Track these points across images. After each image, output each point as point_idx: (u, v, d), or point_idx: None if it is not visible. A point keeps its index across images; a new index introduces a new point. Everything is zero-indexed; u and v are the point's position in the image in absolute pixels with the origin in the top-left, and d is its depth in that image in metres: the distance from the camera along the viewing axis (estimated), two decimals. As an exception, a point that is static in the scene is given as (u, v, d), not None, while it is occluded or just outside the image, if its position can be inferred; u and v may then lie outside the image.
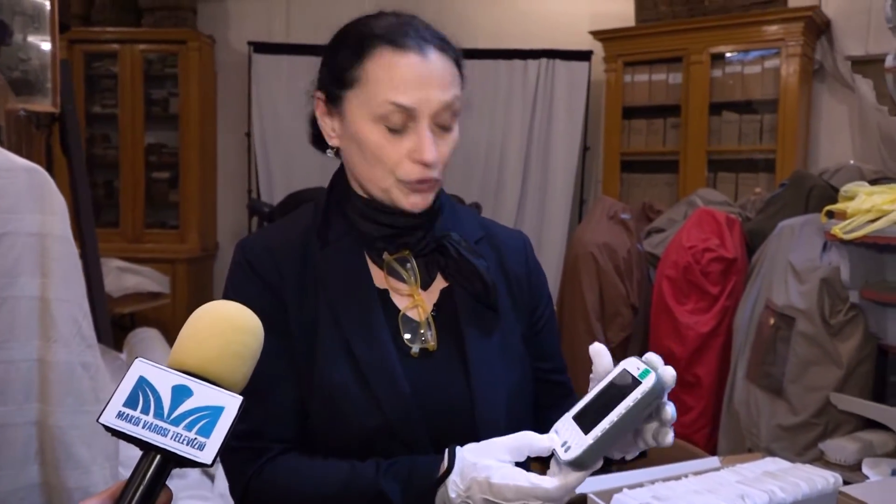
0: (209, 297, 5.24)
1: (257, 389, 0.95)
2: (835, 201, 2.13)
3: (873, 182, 2.20)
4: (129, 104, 4.62)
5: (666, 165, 4.03)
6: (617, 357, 0.91)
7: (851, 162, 2.80)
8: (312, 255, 1.03)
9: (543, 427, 1.07)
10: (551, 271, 3.28)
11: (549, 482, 0.86)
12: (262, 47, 4.61)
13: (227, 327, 0.69)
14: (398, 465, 0.95)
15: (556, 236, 4.23)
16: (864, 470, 1.85)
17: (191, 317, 0.71)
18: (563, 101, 4.36)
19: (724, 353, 2.46)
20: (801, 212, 2.41)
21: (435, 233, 1.06)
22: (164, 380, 0.66)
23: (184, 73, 4.60)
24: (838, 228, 1.92)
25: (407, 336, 1.03)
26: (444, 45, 1.01)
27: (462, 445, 0.98)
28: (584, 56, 4.33)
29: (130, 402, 0.65)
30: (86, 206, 2.90)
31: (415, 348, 1.03)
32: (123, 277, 4.12)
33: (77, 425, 1.67)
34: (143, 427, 0.64)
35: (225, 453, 0.96)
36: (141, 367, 0.66)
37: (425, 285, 1.06)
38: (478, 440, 0.98)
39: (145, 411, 0.64)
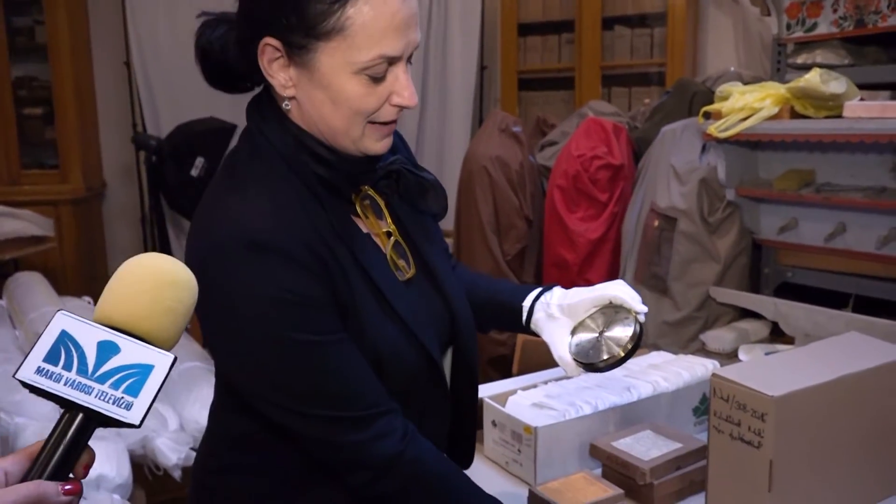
0: (100, 239, 4.97)
1: (349, 365, 0.94)
2: (716, 107, 2.19)
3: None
4: (-11, 34, 4.23)
5: (562, 82, 4.04)
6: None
7: (732, 69, 2.88)
8: (317, 220, 0.95)
9: None
10: (452, 190, 3.27)
11: None
12: (134, -33, 4.28)
13: (159, 282, 0.65)
14: None
15: (456, 156, 4.21)
16: (740, 356, 1.97)
17: (119, 269, 0.65)
18: (458, 20, 4.28)
19: (614, 258, 2.55)
20: (684, 118, 2.47)
21: (382, 160, 1.03)
22: (89, 335, 0.62)
23: (49, -3, 4.23)
24: (714, 128, 1.98)
25: (398, 272, 1.02)
26: None
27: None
28: (477, -28, 4.24)
29: (51, 357, 0.61)
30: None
31: (401, 279, 1.02)
32: (1, 222, 3.86)
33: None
34: (65, 384, 0.60)
35: (342, 424, 0.93)
36: (63, 321, 0.62)
37: (381, 214, 1.04)
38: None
39: (67, 367, 0.61)
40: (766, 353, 1.88)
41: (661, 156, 2.29)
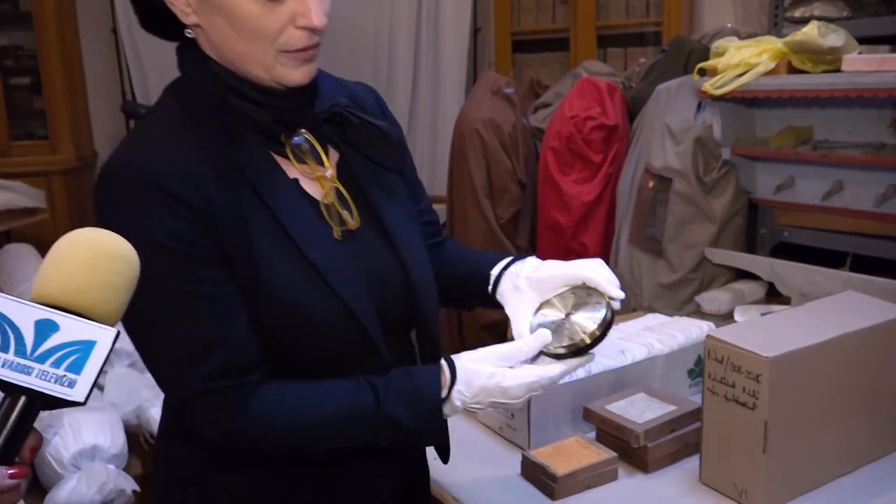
0: (92, 210, 4.97)
1: (215, 326, 0.89)
2: (713, 64, 2.14)
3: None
4: (-29, 2, 4.15)
5: (557, 43, 3.97)
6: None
7: (729, 25, 2.82)
8: (219, 159, 0.90)
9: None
10: (446, 156, 3.22)
11: (552, 370, 0.94)
12: (116, -71, 4.16)
13: (96, 255, 0.63)
14: (397, 383, 0.93)
15: (451, 121, 4.14)
16: (736, 317, 1.95)
17: (54, 245, 0.64)
18: (450, -19, 4.19)
19: (609, 220, 2.51)
20: (680, 76, 2.42)
21: (323, 103, 0.98)
22: (25, 314, 0.60)
23: (30, -37, 4.14)
24: (709, 85, 1.94)
25: (332, 221, 0.97)
26: None
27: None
28: (469, -70, 4.14)
29: None
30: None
31: (337, 231, 0.97)
32: (-10, 194, 3.82)
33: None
34: (3, 366, 0.59)
35: (196, 398, 0.89)
36: None
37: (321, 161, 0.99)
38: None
39: (4, 349, 0.59)
40: (763, 314, 1.86)
41: (656, 115, 2.25)
